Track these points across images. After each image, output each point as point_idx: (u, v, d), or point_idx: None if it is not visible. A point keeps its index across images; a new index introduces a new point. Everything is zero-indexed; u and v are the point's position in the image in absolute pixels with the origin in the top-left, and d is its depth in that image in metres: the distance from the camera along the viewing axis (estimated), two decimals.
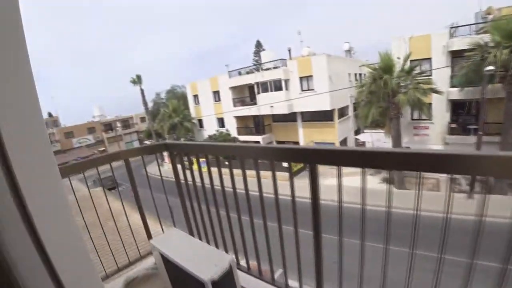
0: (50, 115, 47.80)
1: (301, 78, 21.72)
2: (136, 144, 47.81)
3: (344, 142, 22.41)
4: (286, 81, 22.23)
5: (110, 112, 49.75)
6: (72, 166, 1.79)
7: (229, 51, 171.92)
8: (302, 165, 21.36)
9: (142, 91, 34.48)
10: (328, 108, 20.42)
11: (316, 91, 20.57)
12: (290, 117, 23.10)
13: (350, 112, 23.39)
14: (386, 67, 15.21)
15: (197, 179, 1.90)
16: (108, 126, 45.89)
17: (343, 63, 22.98)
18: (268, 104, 22.83)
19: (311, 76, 21.07)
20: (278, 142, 25.28)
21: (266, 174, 1.66)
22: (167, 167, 28.78)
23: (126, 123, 48.53)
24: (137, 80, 33.81)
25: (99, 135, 44.43)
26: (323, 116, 21.45)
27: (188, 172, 1.90)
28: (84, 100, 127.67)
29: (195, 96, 31.26)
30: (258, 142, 24.65)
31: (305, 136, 23.00)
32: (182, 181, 1.95)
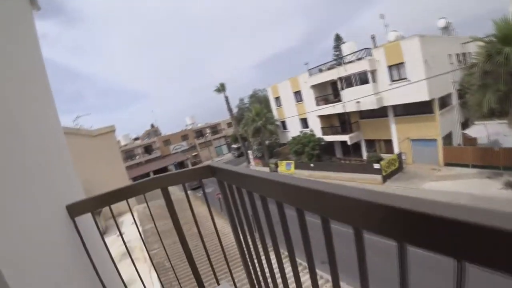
0: (152, 126, 54.70)
1: (390, 67, 19.52)
2: (225, 149, 50.85)
3: (448, 137, 19.25)
4: (373, 72, 20.31)
5: (200, 119, 54.16)
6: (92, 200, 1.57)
7: (308, 49, 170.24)
8: (396, 165, 19.34)
9: (226, 98, 36.48)
10: (426, 98, 17.77)
11: (410, 80, 18.21)
12: (380, 112, 21.04)
13: (454, 101, 19.97)
14: (506, 37, 12.13)
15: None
16: (199, 133, 50.13)
17: (441, 43, 19.71)
18: (354, 100, 21.30)
19: (402, 63, 18.72)
20: (367, 141, 23.40)
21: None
22: (253, 169, 29.64)
23: (214, 129, 52.15)
24: (221, 88, 35.83)
25: (191, 142, 48.72)
26: (420, 108, 18.82)
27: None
28: (178, 111, 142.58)
29: (277, 98, 31.41)
30: (344, 141, 23.34)
31: (399, 133, 20.62)
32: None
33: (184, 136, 48.68)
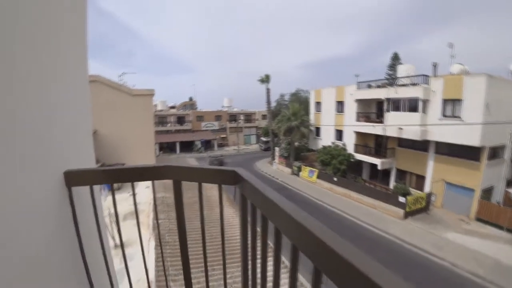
0: (190, 99, 55.93)
1: (445, 101, 18.15)
2: (253, 139, 50.95)
3: (488, 191, 17.64)
4: (425, 101, 19.03)
5: (237, 104, 54.46)
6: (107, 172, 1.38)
7: (360, 61, 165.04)
8: (422, 204, 18.16)
9: (268, 90, 36.18)
10: (476, 144, 16.36)
11: (464, 120, 16.87)
12: (420, 145, 19.82)
13: (507, 154, 18.23)
14: None
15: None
16: (233, 117, 50.53)
17: (509, 87, 17.99)
18: (397, 125, 20.19)
19: (459, 100, 17.29)
20: (399, 171, 22.22)
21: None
22: (275, 167, 29.07)
23: (248, 117, 52.31)
24: (265, 79, 35.56)
25: (223, 123, 49.19)
26: (466, 153, 17.39)
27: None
28: (218, 91, 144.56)
29: (318, 103, 30.71)
30: (375, 164, 22.37)
31: (435, 172, 19.30)
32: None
33: (217, 116, 49.24)
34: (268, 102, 37.04)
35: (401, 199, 17.73)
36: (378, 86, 23.27)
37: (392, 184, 22.28)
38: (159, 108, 46.93)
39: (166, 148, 42.11)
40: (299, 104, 32.94)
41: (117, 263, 1.61)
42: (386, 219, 17.68)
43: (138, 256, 1.59)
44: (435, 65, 20.53)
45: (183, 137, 43.77)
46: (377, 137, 23.38)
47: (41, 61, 1.17)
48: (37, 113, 1.14)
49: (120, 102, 13.33)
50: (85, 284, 1.34)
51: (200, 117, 47.96)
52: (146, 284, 1.57)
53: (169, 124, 45.26)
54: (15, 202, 0.96)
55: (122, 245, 1.47)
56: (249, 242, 1.17)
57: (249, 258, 1.21)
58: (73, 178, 1.29)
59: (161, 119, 44.75)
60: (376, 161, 22.25)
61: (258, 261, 1.06)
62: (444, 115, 18.17)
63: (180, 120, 46.47)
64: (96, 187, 1.41)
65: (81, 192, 1.33)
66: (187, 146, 43.35)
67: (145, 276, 1.52)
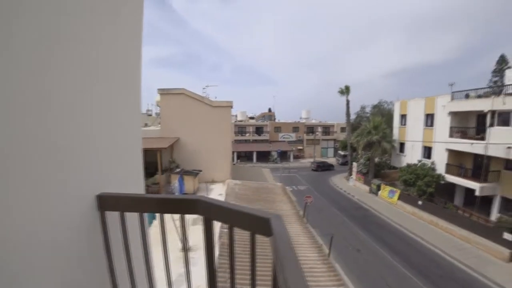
0: (269, 110, 57.37)
1: None
2: (330, 152, 49.24)
3: None
4: None
5: (315, 115, 53.56)
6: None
7: (456, 68, 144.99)
8: None
9: (347, 102, 34.63)
10: None
11: None
12: None
13: None
14: None
15: None
16: (310, 129, 49.72)
17: None
18: (504, 143, 16.71)
19: None
20: (505, 199, 18.25)
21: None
22: (352, 183, 27.53)
23: (326, 129, 50.84)
24: (345, 91, 34.11)
25: (300, 135, 48.81)
26: None
27: None
28: (298, 101, 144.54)
29: (403, 116, 27.83)
30: (471, 189, 18.89)
31: None
32: None
33: (295, 128, 49.22)
34: (348, 114, 35.47)
35: (507, 236, 14.44)
36: (479, 96, 19.80)
37: (494, 215, 18.44)
38: (239, 118, 49.20)
39: (243, 157, 43.77)
40: (381, 117, 30.55)
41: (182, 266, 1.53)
42: (484, 259, 14.62)
43: (201, 262, 1.47)
44: None
45: (260, 147, 44.84)
46: (476, 156, 19.76)
47: (95, 91, 1.27)
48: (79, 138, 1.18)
49: (201, 112, 14.26)
50: None
51: (278, 128, 48.64)
52: None
53: (247, 134, 47.01)
54: (41, 224, 0.97)
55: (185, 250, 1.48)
56: None
57: None
58: (106, 202, 1.29)
59: (240, 129, 46.82)
60: (474, 185, 18.70)
61: None
62: None
63: (258, 130, 47.84)
64: None
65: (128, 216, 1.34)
66: (263, 156, 44.27)
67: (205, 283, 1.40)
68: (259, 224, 1.02)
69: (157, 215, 1.33)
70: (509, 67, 23.47)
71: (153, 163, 12.29)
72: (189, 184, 11.68)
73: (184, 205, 1.29)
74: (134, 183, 1.70)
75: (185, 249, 1.44)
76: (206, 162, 13.85)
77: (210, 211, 1.20)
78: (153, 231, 1.43)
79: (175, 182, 10.95)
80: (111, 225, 1.30)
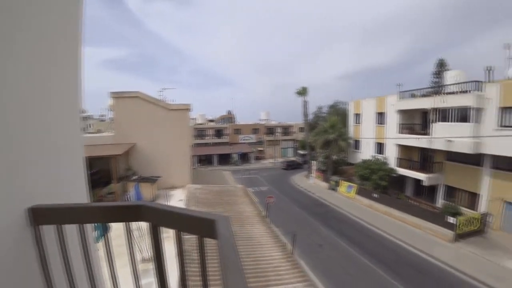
0: (228, 112, 57.24)
1: (503, 109, 16.13)
2: (290, 152, 50.25)
3: None
4: (478, 110, 17.09)
5: (274, 117, 54.55)
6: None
7: (403, 69, 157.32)
8: (477, 226, 16.11)
9: (305, 102, 35.76)
10: None
11: None
12: (473, 159, 17.79)
13: None
14: None
15: None
16: (270, 130, 50.49)
17: None
18: (445, 137, 18.41)
19: None
20: (448, 187, 20.15)
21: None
22: (312, 181, 28.19)
23: (286, 130, 52.02)
24: (302, 92, 35.13)
25: (260, 136, 49.32)
26: None
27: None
28: (256, 103, 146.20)
29: (357, 115, 29.50)
30: (419, 180, 20.54)
31: (493, 190, 17.11)
32: None
33: (255, 129, 49.60)
34: (305, 114, 36.58)
35: (450, 219, 15.91)
36: (423, 95, 21.70)
37: (439, 202, 20.24)
38: (198, 121, 48.35)
39: (204, 160, 43.05)
40: (337, 116, 31.89)
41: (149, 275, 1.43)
42: (432, 241, 15.96)
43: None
44: (489, 70, 18.59)
45: (221, 150, 44.49)
46: (422, 150, 21.60)
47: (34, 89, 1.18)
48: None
49: (158, 116, 13.74)
50: None
51: (238, 130, 48.68)
52: None
53: (207, 137, 46.37)
54: None
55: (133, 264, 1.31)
56: None
57: None
58: (40, 215, 1.13)
59: (200, 132, 46.06)
60: (421, 176, 20.42)
61: None
62: (502, 125, 16.14)
63: (218, 133, 47.47)
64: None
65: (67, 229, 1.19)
66: (224, 159, 43.95)
67: None
68: (206, 227, 0.98)
69: (112, 226, 1.21)
70: (447, 70, 25.91)
71: (108, 171, 11.60)
72: (147, 191, 11.20)
73: (127, 213, 1.17)
74: (77, 193, 1.56)
75: (133, 260, 1.26)
76: (165, 167, 13.43)
77: (155, 217, 1.11)
78: (116, 243, 1.30)
79: (131, 190, 10.47)
80: (49, 241, 1.16)
